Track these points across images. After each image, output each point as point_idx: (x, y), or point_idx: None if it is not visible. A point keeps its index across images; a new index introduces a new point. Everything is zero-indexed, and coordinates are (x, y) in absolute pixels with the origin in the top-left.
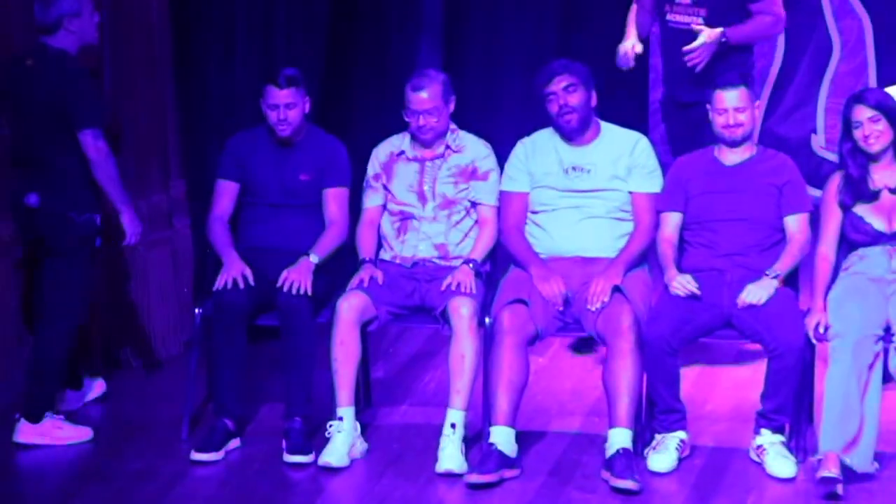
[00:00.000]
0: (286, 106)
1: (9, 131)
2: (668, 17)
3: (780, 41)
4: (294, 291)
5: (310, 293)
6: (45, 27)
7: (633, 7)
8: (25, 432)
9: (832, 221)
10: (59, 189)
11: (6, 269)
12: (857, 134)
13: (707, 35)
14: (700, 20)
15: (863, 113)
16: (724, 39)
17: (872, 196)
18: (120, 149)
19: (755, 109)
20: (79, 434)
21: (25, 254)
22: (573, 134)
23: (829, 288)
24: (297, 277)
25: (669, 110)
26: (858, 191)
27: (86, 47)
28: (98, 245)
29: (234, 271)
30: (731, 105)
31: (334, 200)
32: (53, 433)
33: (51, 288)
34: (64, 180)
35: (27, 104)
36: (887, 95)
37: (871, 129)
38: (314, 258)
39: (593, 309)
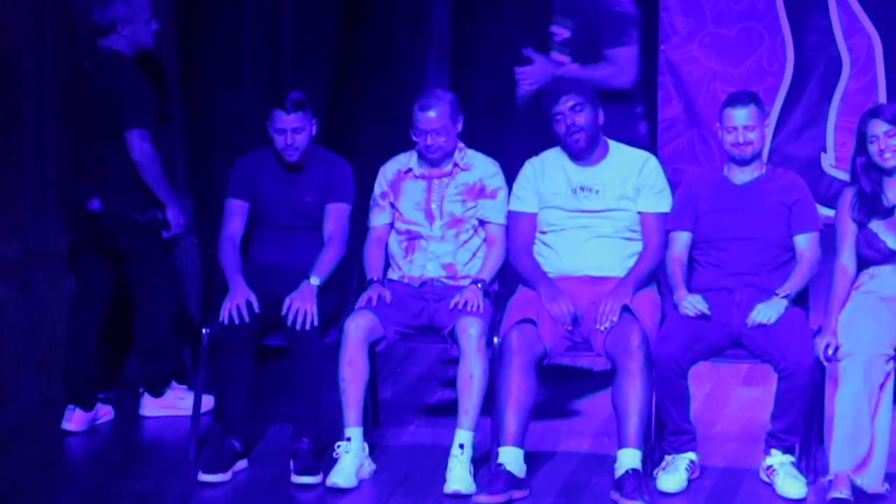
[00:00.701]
0: (293, 131)
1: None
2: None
3: (790, 59)
4: (300, 324)
5: (316, 322)
6: (101, 29)
7: None
8: (150, 406)
9: (849, 233)
10: (119, 191)
11: (11, 290)
12: (873, 148)
13: (541, 62)
14: (568, 59)
15: (879, 127)
16: (559, 73)
17: (887, 212)
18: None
19: (765, 128)
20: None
21: (78, 259)
22: (582, 153)
23: (843, 305)
24: (302, 306)
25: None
26: (872, 207)
27: (143, 51)
28: (166, 237)
29: (239, 299)
30: (741, 123)
31: (332, 216)
32: (176, 404)
33: (139, 288)
34: (122, 181)
35: (83, 105)
36: None
37: (886, 143)
38: (315, 280)
39: (602, 328)
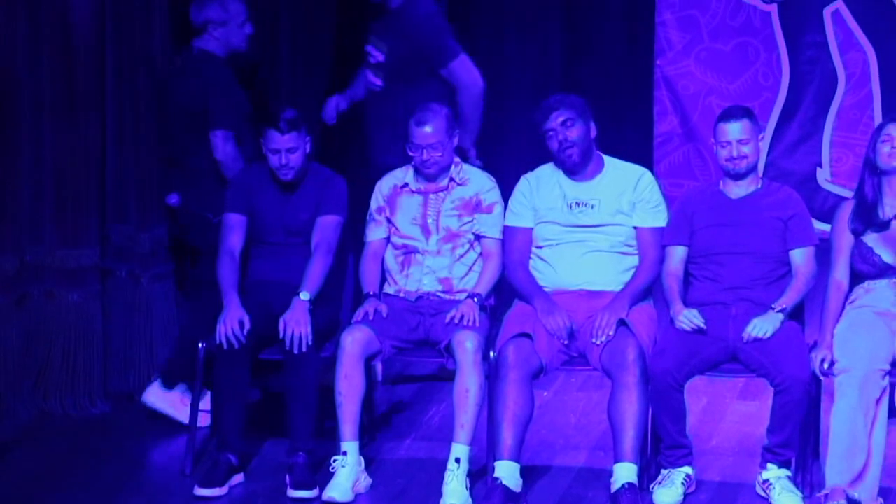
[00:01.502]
0: (288, 150)
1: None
2: (366, 70)
3: (786, 74)
4: (297, 348)
5: (310, 341)
6: (195, 29)
7: None
8: (155, 395)
9: (845, 247)
10: (197, 189)
11: (7, 304)
12: (883, 148)
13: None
14: (380, 82)
15: (895, 129)
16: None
17: (883, 225)
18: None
19: (759, 141)
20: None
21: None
22: (576, 168)
23: (838, 320)
24: (296, 328)
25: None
26: (869, 218)
27: (236, 53)
28: None
29: (232, 321)
30: (735, 137)
31: (320, 227)
32: (178, 405)
33: (194, 286)
34: (200, 180)
35: (170, 102)
36: None
37: None
38: (305, 295)
39: (598, 342)
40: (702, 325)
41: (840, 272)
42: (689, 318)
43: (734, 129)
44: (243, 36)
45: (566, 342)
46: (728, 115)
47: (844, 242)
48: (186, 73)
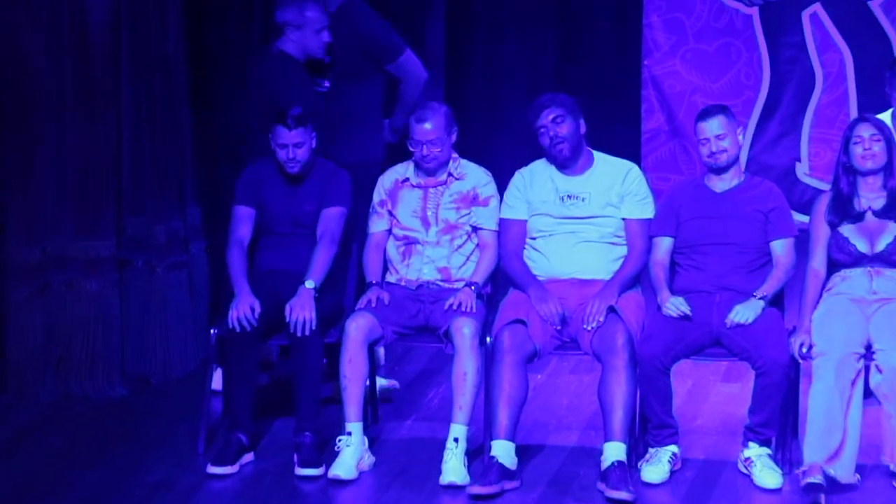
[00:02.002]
0: (295, 145)
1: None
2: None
3: (766, 74)
4: (300, 331)
5: (315, 327)
6: (276, 28)
7: None
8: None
9: (821, 239)
10: None
11: (30, 293)
12: (856, 150)
13: None
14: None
15: (866, 130)
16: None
17: (858, 217)
18: None
19: (737, 135)
20: None
21: None
22: (567, 162)
23: (815, 306)
24: (301, 313)
25: None
26: (845, 210)
27: (313, 59)
28: None
29: (244, 306)
30: (713, 133)
31: (324, 218)
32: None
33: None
34: None
35: (250, 96)
36: (888, 125)
37: (870, 144)
38: (310, 283)
39: (589, 328)
40: (687, 312)
41: (817, 261)
42: (675, 305)
43: (711, 126)
44: (320, 43)
45: (559, 328)
46: (705, 113)
47: (822, 234)
48: (263, 71)
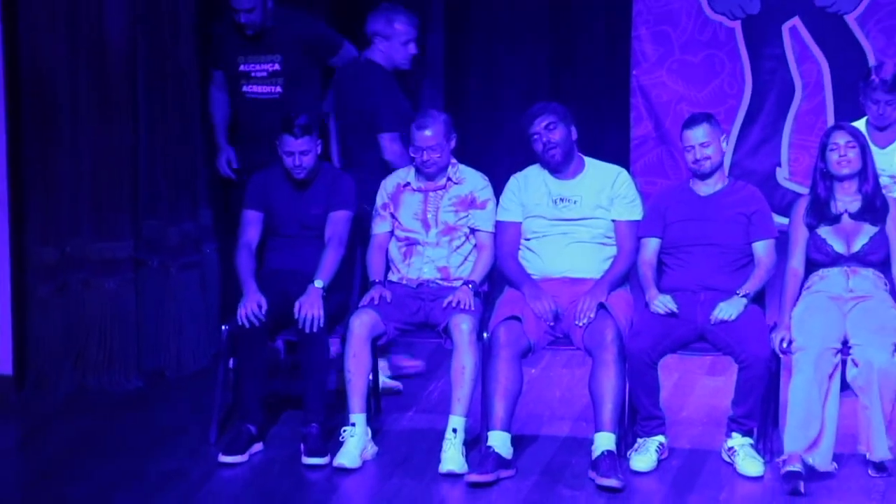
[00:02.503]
0: (301, 153)
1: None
2: (245, 89)
3: (748, 83)
4: (308, 327)
5: (322, 323)
6: (366, 38)
7: None
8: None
9: (801, 239)
10: (366, 186)
11: (50, 291)
12: (832, 156)
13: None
14: (280, 89)
15: (841, 138)
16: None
17: (834, 219)
18: None
19: (721, 143)
20: None
21: None
22: (559, 166)
23: (795, 304)
24: (310, 310)
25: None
26: (822, 213)
27: (398, 69)
28: None
29: (251, 303)
30: (697, 142)
31: (332, 222)
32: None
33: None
34: (368, 177)
35: (343, 106)
36: (861, 132)
37: (845, 151)
38: (319, 283)
39: (580, 324)
40: (674, 310)
41: (796, 261)
42: (663, 303)
43: (696, 135)
44: (406, 55)
45: (552, 324)
46: (690, 122)
47: (800, 235)
48: (353, 80)
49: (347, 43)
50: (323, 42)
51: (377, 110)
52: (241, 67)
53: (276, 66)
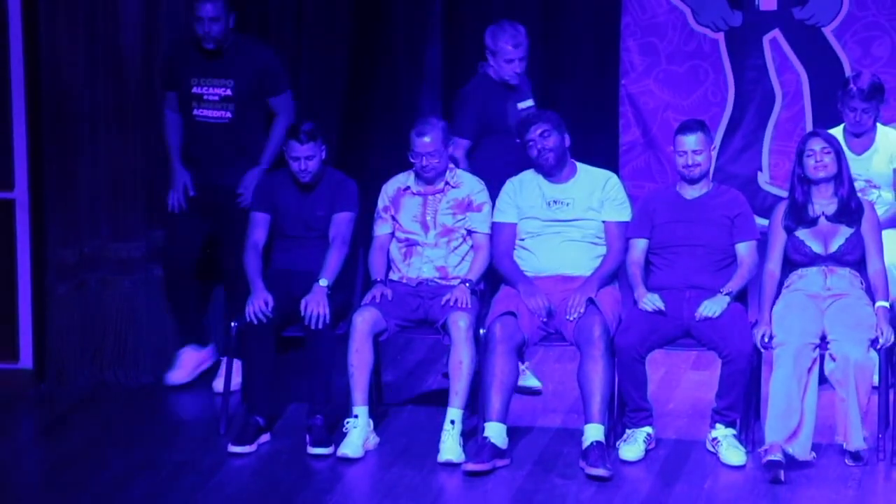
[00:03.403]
0: (306, 158)
1: None
2: (196, 112)
3: (731, 92)
4: (314, 324)
5: (328, 320)
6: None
7: None
8: None
9: (778, 243)
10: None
11: (69, 290)
12: (809, 162)
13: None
14: (230, 115)
15: (817, 144)
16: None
17: (812, 222)
18: None
19: (711, 151)
20: None
21: None
22: (552, 171)
23: (774, 302)
24: (315, 308)
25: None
26: (800, 216)
27: (507, 83)
28: None
29: (259, 301)
30: (690, 148)
31: (335, 223)
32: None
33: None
34: (490, 179)
35: (458, 110)
36: (836, 138)
37: (821, 157)
38: (324, 282)
39: (570, 318)
40: (661, 307)
41: (773, 264)
42: (651, 301)
43: (690, 141)
44: (510, 72)
45: (545, 319)
46: (685, 128)
47: (778, 239)
48: (472, 89)
49: (291, 92)
50: (273, 78)
51: (455, 115)
52: (195, 90)
53: (228, 92)
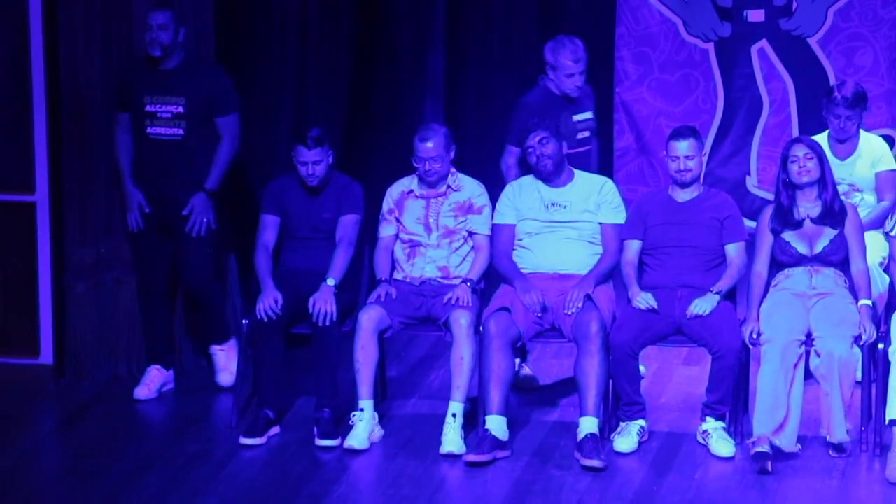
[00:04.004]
0: (314, 163)
1: None
2: (149, 129)
3: (720, 100)
4: (321, 321)
5: (335, 318)
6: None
7: None
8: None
9: (765, 245)
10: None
11: (87, 288)
12: (793, 167)
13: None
14: (182, 132)
15: (800, 150)
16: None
17: (797, 224)
18: None
19: (702, 156)
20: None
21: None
22: (550, 176)
23: (762, 301)
24: (323, 306)
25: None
26: (786, 219)
27: (568, 96)
28: None
29: (269, 299)
30: (683, 153)
31: (342, 225)
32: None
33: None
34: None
35: (516, 119)
36: (819, 143)
37: (804, 162)
38: (331, 281)
39: (569, 313)
40: (654, 307)
41: (760, 264)
42: (644, 300)
43: (682, 147)
44: (571, 86)
45: (539, 315)
46: (678, 134)
47: (765, 241)
48: (532, 101)
49: (238, 115)
50: (223, 97)
51: (510, 124)
52: (148, 107)
53: (180, 109)
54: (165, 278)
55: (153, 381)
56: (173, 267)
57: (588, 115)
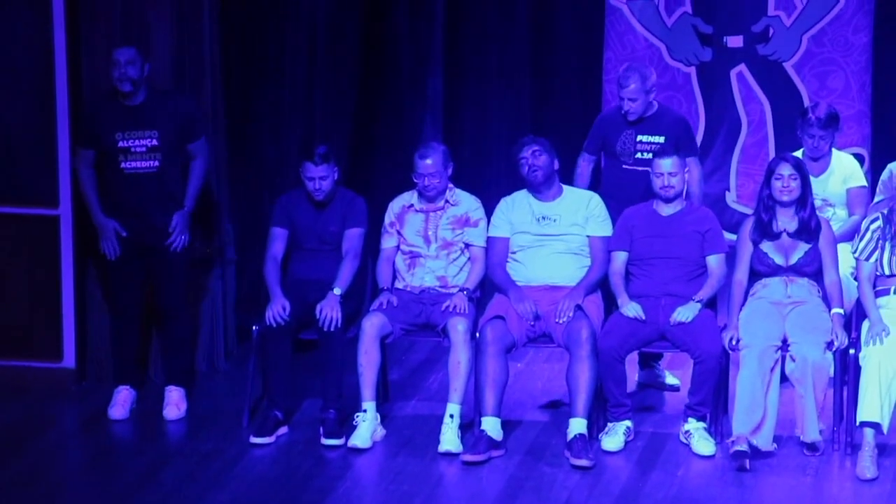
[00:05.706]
0: (321, 178)
1: None
2: (124, 165)
3: (702, 120)
4: (327, 327)
5: (340, 324)
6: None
7: None
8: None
9: (745, 254)
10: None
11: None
12: (777, 184)
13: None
14: (158, 163)
15: (785, 170)
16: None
17: (775, 236)
18: None
19: (684, 174)
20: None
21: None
22: (540, 187)
23: (741, 308)
24: (329, 313)
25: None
26: (765, 231)
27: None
28: None
29: (277, 306)
30: (666, 170)
31: (348, 237)
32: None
33: None
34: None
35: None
36: (804, 163)
37: (788, 182)
38: (337, 290)
39: (560, 321)
40: (642, 317)
41: (741, 273)
42: (633, 310)
43: (665, 164)
44: (625, 108)
45: (532, 323)
46: (662, 152)
47: (745, 251)
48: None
49: (205, 137)
50: (192, 125)
51: (587, 136)
52: (120, 143)
53: (154, 142)
54: (139, 303)
55: (125, 401)
56: (147, 291)
57: (658, 138)
